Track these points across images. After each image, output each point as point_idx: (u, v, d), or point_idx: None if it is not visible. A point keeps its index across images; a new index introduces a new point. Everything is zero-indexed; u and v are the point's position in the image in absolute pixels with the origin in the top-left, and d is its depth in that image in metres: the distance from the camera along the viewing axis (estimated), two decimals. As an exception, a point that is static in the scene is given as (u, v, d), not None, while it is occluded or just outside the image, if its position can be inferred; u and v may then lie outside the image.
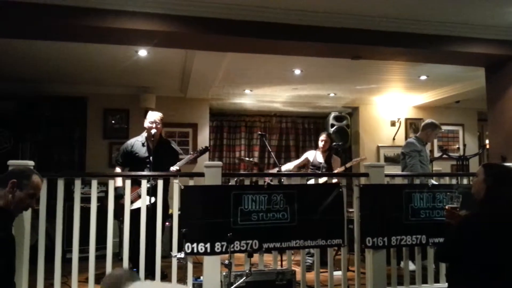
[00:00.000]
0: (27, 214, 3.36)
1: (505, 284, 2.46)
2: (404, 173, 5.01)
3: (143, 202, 3.79)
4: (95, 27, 3.86)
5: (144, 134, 4.62)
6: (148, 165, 4.40)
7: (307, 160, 5.68)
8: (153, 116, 4.55)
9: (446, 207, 2.85)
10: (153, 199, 3.94)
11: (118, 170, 4.59)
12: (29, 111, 6.36)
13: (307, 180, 4.38)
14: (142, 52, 5.16)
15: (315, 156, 5.61)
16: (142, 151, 4.54)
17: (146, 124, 4.54)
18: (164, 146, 4.65)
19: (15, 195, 2.44)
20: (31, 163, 3.36)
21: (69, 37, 4.29)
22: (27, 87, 6.49)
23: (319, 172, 5.30)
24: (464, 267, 2.50)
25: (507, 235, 2.47)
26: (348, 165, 5.63)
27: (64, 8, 3.79)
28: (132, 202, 3.96)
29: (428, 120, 5.42)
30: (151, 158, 4.41)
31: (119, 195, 4.05)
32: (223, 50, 4.77)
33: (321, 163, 5.45)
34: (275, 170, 5.37)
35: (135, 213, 3.79)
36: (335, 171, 5.32)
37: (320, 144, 5.56)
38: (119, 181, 4.24)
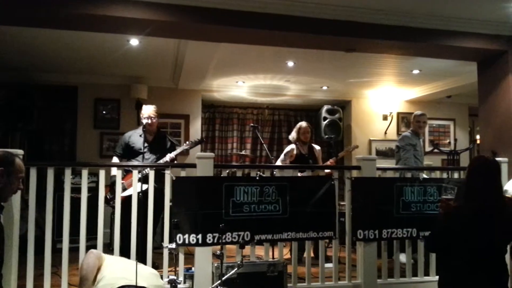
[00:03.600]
0: (16, 204, 3.33)
1: (487, 274, 2.51)
2: (395, 166, 5.04)
3: (134, 191, 3.77)
4: (86, 14, 3.79)
5: (141, 127, 4.66)
6: (144, 156, 4.45)
7: (292, 152, 5.31)
8: (148, 111, 4.60)
9: (441, 198, 2.89)
10: (146, 186, 3.93)
11: (115, 160, 4.69)
12: (19, 100, 6.27)
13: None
14: (134, 42, 5.11)
15: (297, 149, 5.30)
16: (139, 143, 4.56)
17: (143, 120, 4.55)
18: (160, 138, 4.74)
19: (5, 182, 2.43)
20: (20, 152, 3.32)
21: (61, 25, 4.22)
22: (17, 76, 6.40)
23: (306, 164, 5.19)
24: (449, 257, 2.57)
25: (486, 227, 2.50)
26: (340, 154, 5.61)
27: (56, -5, 3.74)
28: (126, 188, 4.07)
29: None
30: (147, 149, 4.45)
31: (114, 181, 4.11)
32: (216, 41, 4.73)
33: (305, 154, 5.32)
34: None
35: (128, 201, 3.79)
36: (328, 162, 5.30)
37: (302, 136, 5.29)
38: (114, 170, 4.27)
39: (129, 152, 4.64)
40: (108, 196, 4.21)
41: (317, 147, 5.50)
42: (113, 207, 4.31)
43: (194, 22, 4.04)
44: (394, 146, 5.52)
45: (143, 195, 3.71)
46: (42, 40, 5.18)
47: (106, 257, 3.18)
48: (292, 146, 5.36)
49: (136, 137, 4.66)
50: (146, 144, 4.50)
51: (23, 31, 4.73)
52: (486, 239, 2.50)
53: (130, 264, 3.01)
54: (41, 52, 5.68)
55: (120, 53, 5.52)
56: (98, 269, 2.97)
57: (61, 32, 4.65)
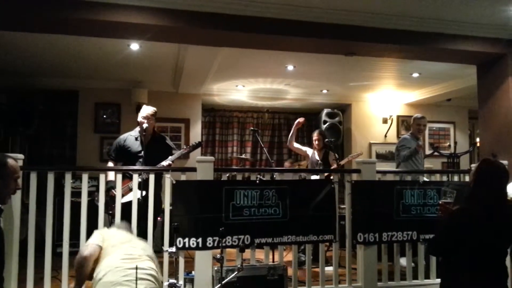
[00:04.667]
0: (16, 208, 3.33)
1: (488, 275, 2.51)
2: (395, 169, 5.04)
3: (134, 196, 3.76)
4: (87, 19, 3.81)
5: (138, 128, 4.58)
6: (140, 160, 4.36)
7: (306, 153, 5.61)
8: (145, 111, 4.51)
9: (440, 202, 2.88)
10: (144, 193, 3.92)
11: (110, 164, 4.54)
12: (20, 104, 6.27)
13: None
14: (134, 46, 5.12)
15: (313, 154, 5.51)
16: (135, 146, 4.48)
17: (139, 118, 4.51)
18: (157, 141, 4.58)
19: (0, 185, 2.44)
20: (20, 156, 3.33)
21: (62, 30, 4.24)
22: (18, 80, 6.42)
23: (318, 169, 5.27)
24: (452, 260, 2.56)
25: (488, 229, 2.51)
26: (343, 162, 5.61)
27: (57, 0, 3.75)
28: (122, 195, 3.94)
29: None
30: (143, 152, 4.38)
31: (109, 188, 4.04)
32: (216, 45, 4.74)
33: (318, 161, 5.39)
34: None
35: (126, 207, 3.78)
36: (332, 167, 5.32)
37: (315, 143, 5.48)
38: (110, 175, 4.22)
39: (125, 156, 4.47)
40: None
41: (332, 154, 5.48)
42: (110, 215, 4.29)
43: (194, 27, 4.06)
44: (394, 150, 5.51)
45: (140, 201, 3.70)
46: (43, 45, 5.20)
47: (104, 245, 2.97)
48: (310, 150, 5.56)
49: (131, 140, 4.50)
50: (140, 149, 4.39)
51: (24, 36, 4.74)
52: (488, 241, 2.50)
53: (128, 249, 2.88)
54: (42, 57, 5.70)
55: (120, 57, 5.54)
56: (96, 261, 2.87)
57: (62, 37, 4.66)
